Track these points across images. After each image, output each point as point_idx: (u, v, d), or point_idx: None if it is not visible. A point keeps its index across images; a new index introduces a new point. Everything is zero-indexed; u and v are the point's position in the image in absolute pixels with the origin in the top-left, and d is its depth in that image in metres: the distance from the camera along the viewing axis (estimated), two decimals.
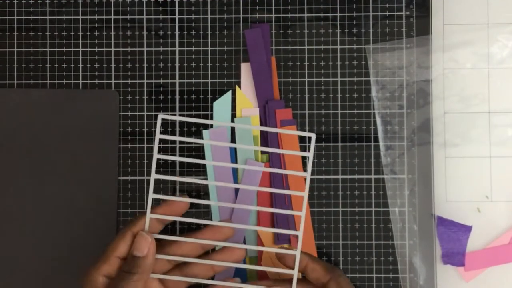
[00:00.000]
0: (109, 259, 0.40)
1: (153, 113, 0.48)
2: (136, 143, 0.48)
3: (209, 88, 0.48)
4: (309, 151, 0.39)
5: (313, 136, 0.39)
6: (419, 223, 0.47)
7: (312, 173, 0.48)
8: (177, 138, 0.40)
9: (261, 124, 0.47)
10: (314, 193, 0.48)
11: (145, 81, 0.48)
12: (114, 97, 0.48)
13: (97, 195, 0.47)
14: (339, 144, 0.48)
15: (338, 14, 0.48)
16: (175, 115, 0.48)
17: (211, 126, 0.48)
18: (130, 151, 0.48)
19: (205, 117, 0.48)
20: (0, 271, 0.47)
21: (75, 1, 0.49)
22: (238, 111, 0.48)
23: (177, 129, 0.48)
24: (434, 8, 0.48)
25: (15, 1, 0.49)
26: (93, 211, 0.47)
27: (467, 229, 0.47)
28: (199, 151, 0.48)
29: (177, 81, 0.48)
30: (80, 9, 0.49)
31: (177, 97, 0.48)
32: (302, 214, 0.39)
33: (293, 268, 0.40)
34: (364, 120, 0.48)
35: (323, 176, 0.48)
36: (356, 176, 0.48)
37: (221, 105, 0.48)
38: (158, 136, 0.39)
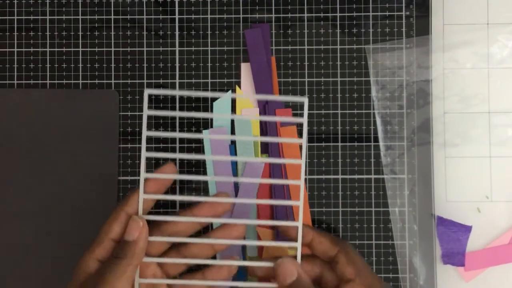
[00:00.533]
0: (102, 242, 0.38)
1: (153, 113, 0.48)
2: (136, 143, 0.48)
3: (209, 88, 0.48)
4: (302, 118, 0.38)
5: (305, 100, 0.38)
6: (419, 223, 0.47)
7: (312, 173, 0.48)
8: (166, 113, 0.38)
9: (261, 125, 0.47)
10: (314, 193, 0.48)
11: (145, 81, 0.48)
12: (114, 97, 0.48)
13: (97, 195, 0.47)
14: (339, 144, 0.48)
15: (338, 14, 0.48)
16: (174, 114, 0.48)
17: (211, 126, 0.48)
18: (130, 151, 0.48)
19: (205, 117, 0.48)
20: (0, 271, 0.47)
21: (75, 1, 0.49)
22: (238, 111, 0.48)
23: (177, 128, 0.48)
24: (434, 8, 0.48)
25: (15, 1, 0.49)
26: (93, 211, 0.47)
27: (467, 229, 0.47)
28: (198, 151, 0.48)
29: (177, 81, 0.48)
30: (80, 9, 0.49)
31: (177, 97, 0.48)
32: (301, 182, 0.38)
33: (297, 240, 0.38)
34: (364, 120, 0.48)
35: (323, 176, 0.48)
36: (356, 176, 0.48)
37: (221, 105, 0.48)
38: (145, 112, 0.38)
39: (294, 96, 0.38)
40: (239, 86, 0.48)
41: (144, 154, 0.38)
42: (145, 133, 0.38)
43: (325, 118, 0.48)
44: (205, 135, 0.47)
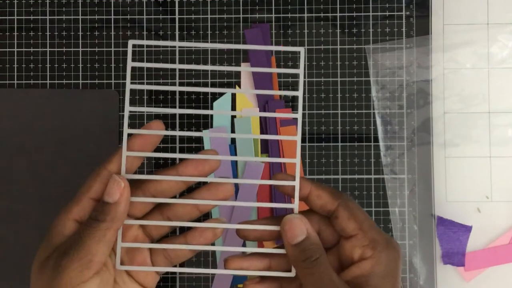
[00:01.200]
0: (81, 201, 0.34)
1: (153, 113, 0.48)
2: None
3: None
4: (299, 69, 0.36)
5: (301, 50, 0.35)
6: (419, 223, 0.47)
7: (312, 173, 0.48)
8: (148, 64, 0.36)
9: (261, 124, 0.47)
10: None
11: (145, 80, 0.48)
12: (114, 97, 0.48)
13: None
14: (339, 144, 0.48)
15: (338, 14, 0.48)
16: (174, 115, 0.48)
17: (211, 126, 0.48)
18: None
19: (205, 117, 0.48)
20: (0, 274, 0.47)
21: (75, 1, 0.49)
22: (238, 111, 0.48)
23: (177, 128, 0.48)
24: (434, 8, 0.48)
25: (15, 1, 0.49)
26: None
27: (467, 229, 0.47)
28: (198, 150, 0.48)
29: (177, 80, 0.48)
30: (80, 9, 0.49)
31: (177, 97, 0.48)
32: (297, 138, 0.36)
33: (293, 197, 0.35)
34: (364, 120, 0.48)
35: (323, 176, 0.48)
36: (356, 176, 0.48)
37: (221, 105, 0.48)
38: (129, 63, 0.35)
39: (290, 47, 0.36)
40: (239, 86, 0.48)
41: (128, 108, 0.35)
42: (128, 86, 0.35)
43: (325, 118, 0.48)
44: (205, 133, 0.47)
